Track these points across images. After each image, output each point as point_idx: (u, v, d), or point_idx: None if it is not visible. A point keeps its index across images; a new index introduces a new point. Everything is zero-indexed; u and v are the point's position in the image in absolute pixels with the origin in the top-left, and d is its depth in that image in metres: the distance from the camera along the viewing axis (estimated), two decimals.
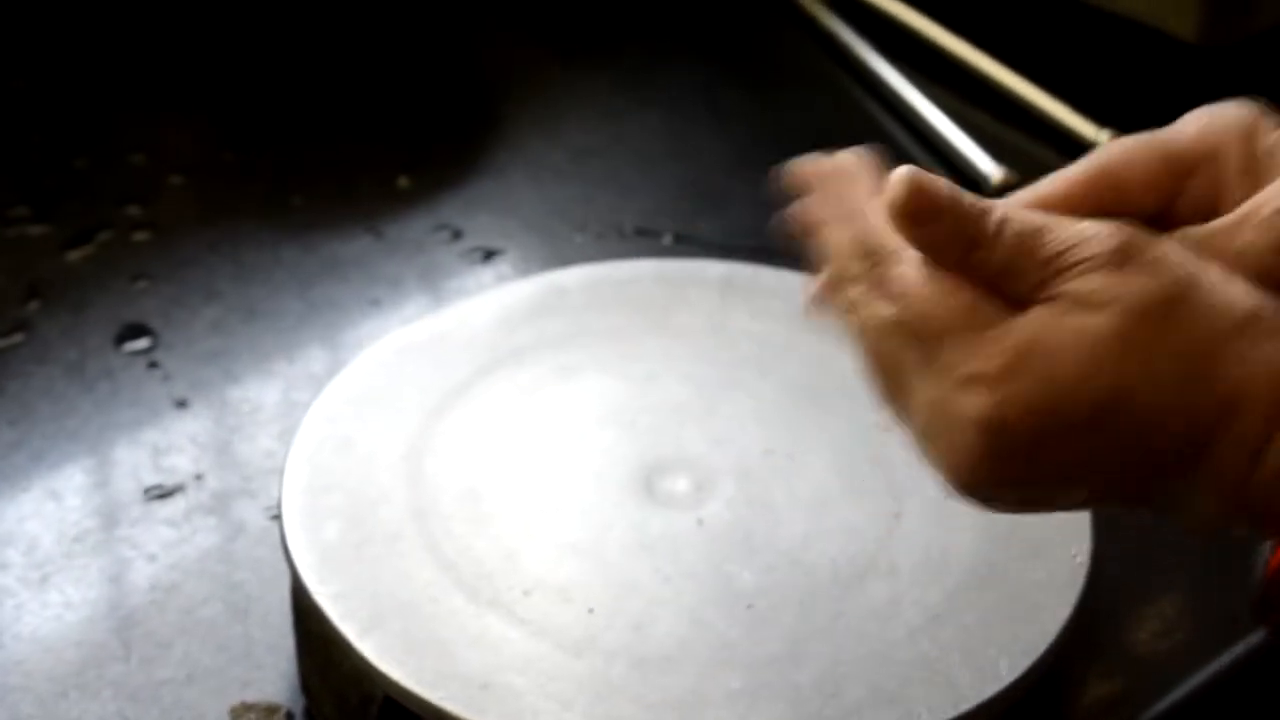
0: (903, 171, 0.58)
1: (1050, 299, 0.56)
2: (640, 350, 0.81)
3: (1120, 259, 0.55)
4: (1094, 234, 0.56)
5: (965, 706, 0.68)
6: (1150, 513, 0.58)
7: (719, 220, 0.97)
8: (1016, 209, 0.58)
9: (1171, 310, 0.55)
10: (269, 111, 1.02)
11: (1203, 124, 0.62)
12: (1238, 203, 0.60)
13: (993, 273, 0.57)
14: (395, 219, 0.96)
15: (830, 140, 1.01)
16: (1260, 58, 1.04)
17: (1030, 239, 0.57)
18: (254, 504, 0.81)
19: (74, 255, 0.93)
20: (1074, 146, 1.01)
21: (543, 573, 0.72)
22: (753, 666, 0.69)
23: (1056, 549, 0.73)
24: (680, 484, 0.75)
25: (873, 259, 0.59)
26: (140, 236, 0.94)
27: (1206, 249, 0.58)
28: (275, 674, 0.75)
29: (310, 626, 0.72)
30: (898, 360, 0.58)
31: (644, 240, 0.95)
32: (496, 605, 0.71)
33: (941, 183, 0.58)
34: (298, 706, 0.74)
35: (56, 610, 0.77)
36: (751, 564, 0.72)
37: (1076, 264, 0.56)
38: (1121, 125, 1.00)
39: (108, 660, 0.75)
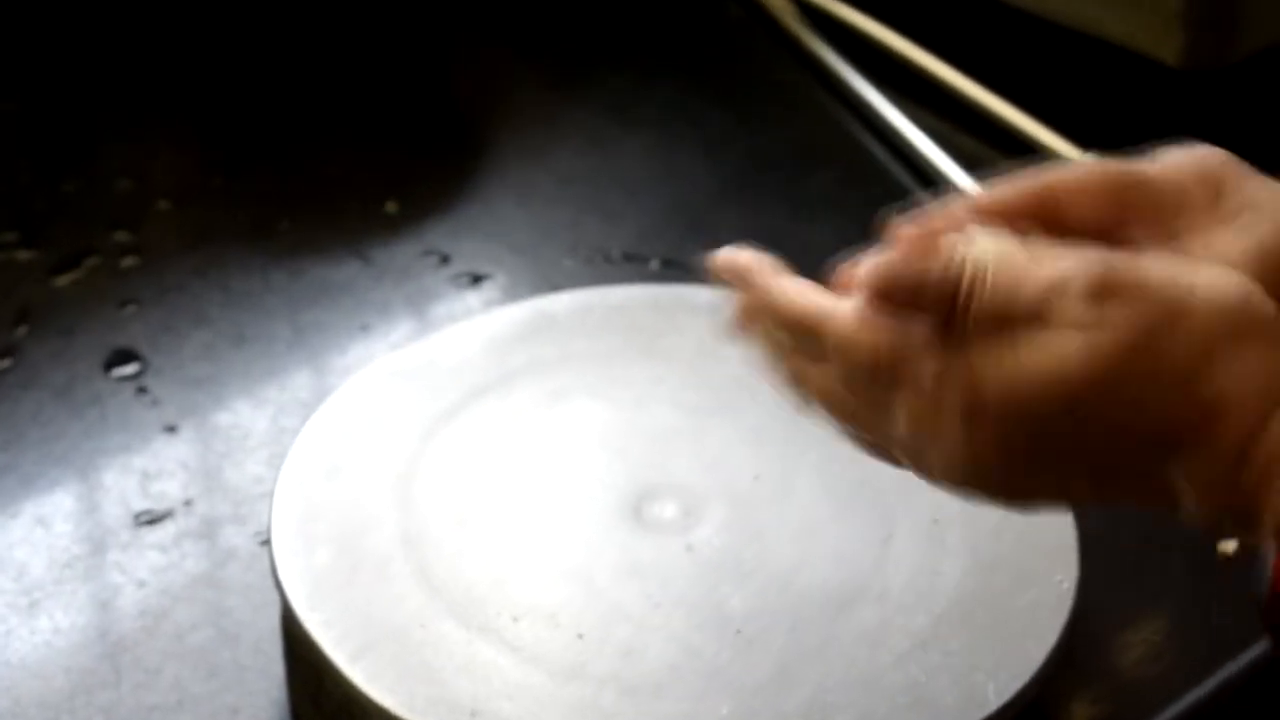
0: (869, 269, 0.59)
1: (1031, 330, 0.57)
2: (629, 375, 0.81)
3: (1097, 289, 0.56)
4: (1071, 276, 0.56)
5: None
6: (1149, 509, 0.58)
7: (706, 245, 0.97)
8: (989, 254, 0.58)
9: (1155, 336, 0.55)
10: (257, 137, 1.02)
11: (1170, 161, 0.62)
12: (1195, 247, 0.60)
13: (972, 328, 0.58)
14: (383, 244, 0.96)
15: (815, 162, 1.03)
16: (1243, 83, 1.05)
17: (1007, 296, 0.57)
18: (243, 530, 0.81)
19: (62, 280, 0.93)
20: None
21: (532, 599, 0.72)
22: (741, 692, 0.69)
23: (1043, 575, 0.73)
24: (669, 509, 0.75)
25: (801, 330, 0.61)
26: (129, 262, 0.94)
27: None
28: (265, 700, 0.75)
29: (300, 653, 0.72)
30: (861, 403, 0.60)
31: (631, 265, 0.96)
32: (486, 631, 0.71)
33: (905, 267, 0.59)
34: None
35: (46, 636, 0.77)
36: (740, 589, 0.73)
37: (1059, 288, 0.56)
38: (1103, 148, 1.00)
39: (97, 686, 0.76)
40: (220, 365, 0.89)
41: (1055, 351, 0.56)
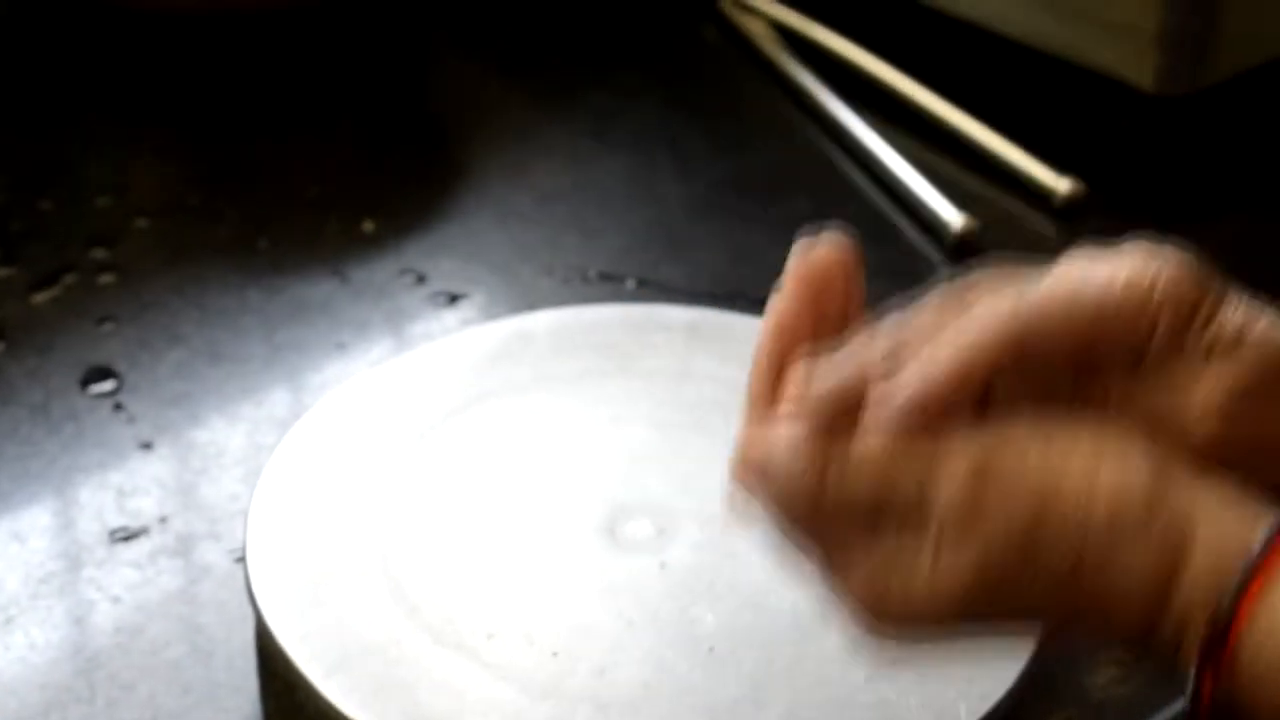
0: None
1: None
2: (605, 394, 0.81)
3: (970, 509, 0.57)
4: (947, 478, 0.58)
5: None
6: None
7: (683, 265, 0.97)
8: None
9: (1027, 537, 0.57)
10: (235, 155, 1.02)
11: (1140, 280, 0.60)
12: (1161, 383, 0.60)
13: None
14: (360, 263, 0.96)
15: (791, 184, 1.03)
16: (1216, 108, 1.05)
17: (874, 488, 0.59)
18: (218, 546, 0.82)
19: (39, 297, 0.93)
20: (1034, 194, 1.02)
21: (507, 616, 0.72)
22: (714, 710, 0.69)
23: None
24: (644, 528, 0.76)
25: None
26: (106, 279, 0.94)
27: (1154, 427, 0.59)
28: (239, 717, 0.75)
29: (275, 669, 0.72)
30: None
31: (608, 285, 0.96)
32: (461, 649, 0.71)
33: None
34: None
35: (20, 652, 0.78)
36: (714, 608, 0.73)
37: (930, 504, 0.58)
38: (1081, 172, 1.01)
39: (72, 703, 0.76)
40: (196, 383, 0.89)
41: (934, 576, 0.58)
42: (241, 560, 0.75)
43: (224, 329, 0.92)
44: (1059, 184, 1.01)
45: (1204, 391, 0.60)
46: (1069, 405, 0.60)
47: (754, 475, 0.61)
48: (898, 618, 0.60)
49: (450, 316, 0.94)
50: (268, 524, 0.75)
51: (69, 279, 0.94)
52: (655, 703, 0.70)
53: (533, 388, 0.82)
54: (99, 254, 0.96)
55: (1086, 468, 0.57)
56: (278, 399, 0.89)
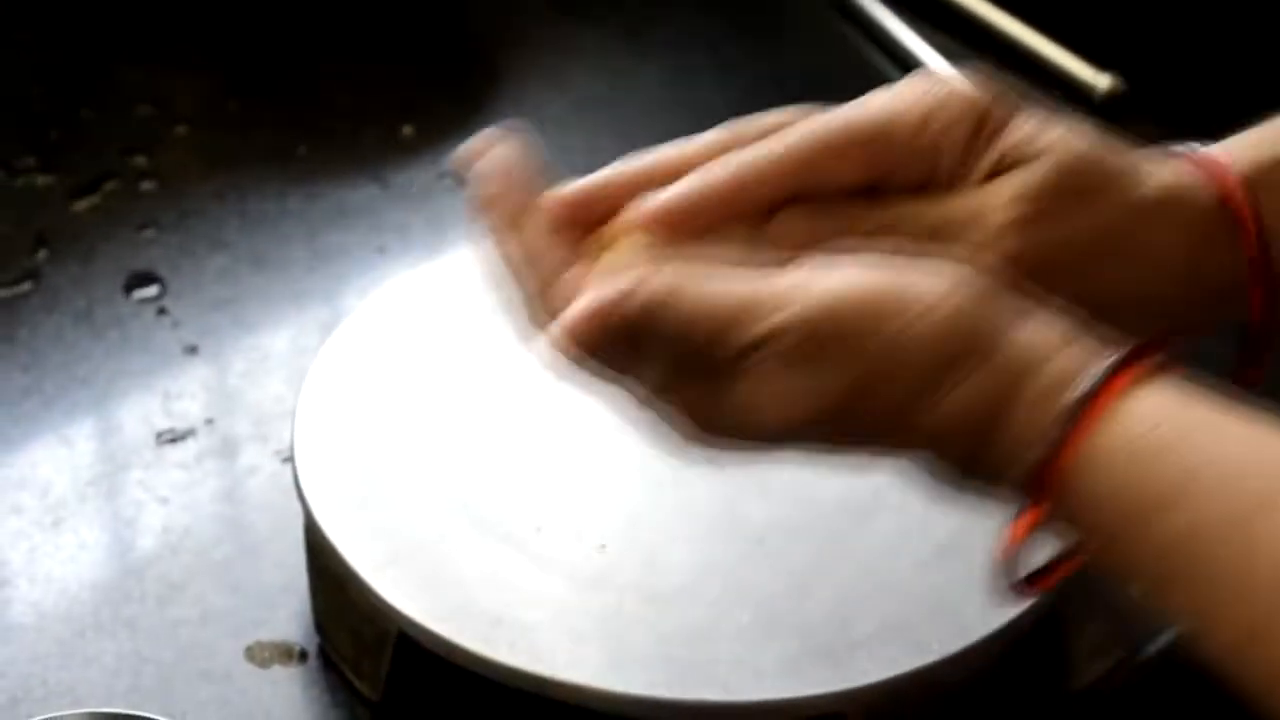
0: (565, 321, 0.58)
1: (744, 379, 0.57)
2: None
3: (798, 354, 0.55)
4: (767, 327, 0.55)
5: (973, 637, 0.68)
6: None
7: None
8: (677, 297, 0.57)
9: (860, 392, 0.55)
10: (273, 62, 1.02)
11: (925, 99, 0.60)
12: (957, 198, 0.60)
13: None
14: (400, 167, 0.96)
15: (830, 88, 1.02)
16: (1260, 3, 1.05)
17: (706, 324, 0.56)
18: (264, 448, 0.82)
19: (81, 205, 0.93)
20: (1076, 92, 1.01)
21: (555, 511, 0.73)
22: (763, 600, 0.70)
23: None
24: None
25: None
26: (146, 186, 0.94)
27: (937, 236, 0.59)
28: (288, 614, 0.76)
29: (324, 565, 0.72)
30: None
31: None
32: (509, 542, 0.71)
33: (600, 299, 0.57)
34: (311, 645, 0.75)
35: (71, 552, 0.78)
36: (761, 500, 0.73)
37: (759, 355, 0.56)
38: (1121, 68, 1.01)
39: (122, 601, 0.76)
40: (239, 287, 0.90)
41: (762, 411, 0.56)
42: (288, 460, 0.75)
43: (265, 234, 0.92)
44: (1099, 80, 1.01)
45: (995, 205, 0.59)
46: (865, 237, 0.59)
47: (564, 337, 0.58)
48: (728, 438, 0.58)
49: None
50: (314, 424, 0.76)
51: (110, 186, 0.94)
52: (703, 593, 0.70)
53: None
54: (139, 161, 0.96)
55: (925, 295, 0.55)
56: (320, 303, 0.89)
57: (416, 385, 0.77)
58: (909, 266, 0.56)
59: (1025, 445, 0.54)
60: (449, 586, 0.70)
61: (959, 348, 0.55)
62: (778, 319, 0.56)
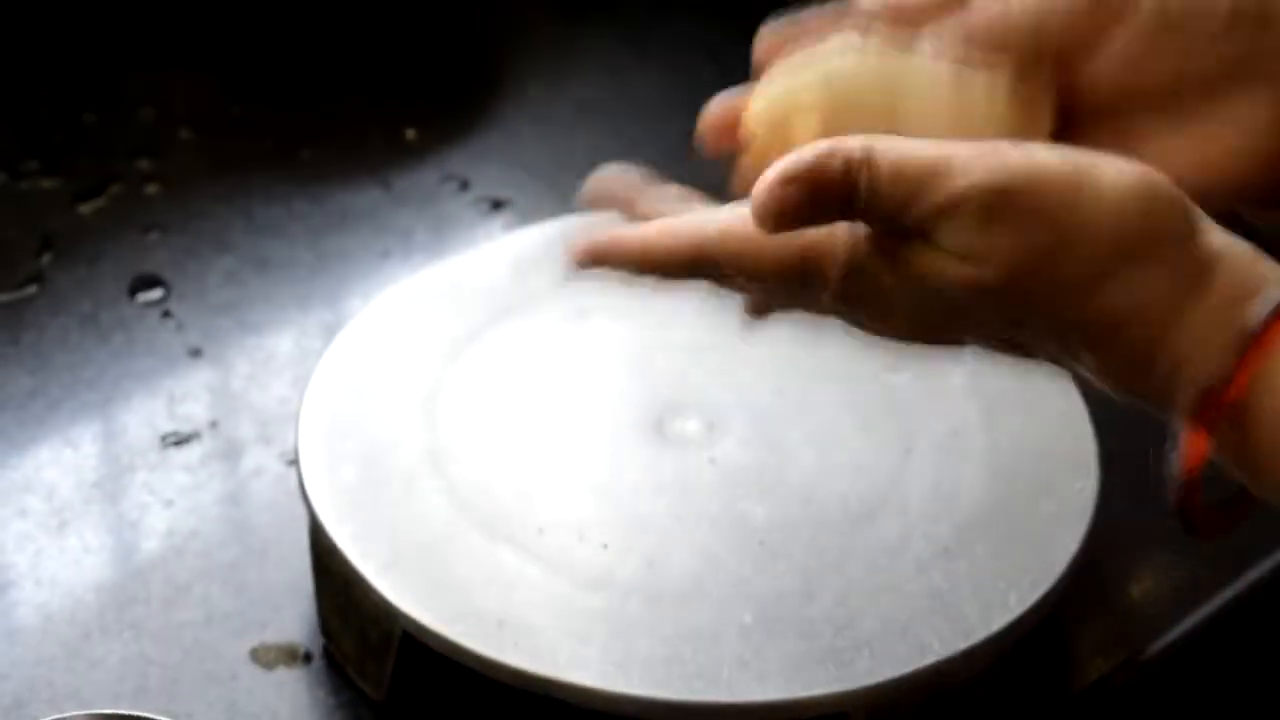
0: (760, 189, 0.57)
1: (929, 242, 0.56)
2: (652, 294, 0.81)
3: (990, 213, 0.55)
4: (962, 199, 0.55)
5: (975, 638, 0.69)
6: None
7: (723, 170, 0.97)
8: (883, 156, 0.56)
9: (1046, 260, 0.55)
10: (277, 65, 1.03)
11: None
12: None
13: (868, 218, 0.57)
14: (403, 171, 0.96)
15: None
16: None
17: (903, 184, 0.55)
18: (269, 450, 0.82)
19: (85, 208, 0.94)
20: None
21: (558, 511, 0.73)
22: (765, 601, 0.70)
23: (1062, 484, 0.74)
24: (692, 424, 0.76)
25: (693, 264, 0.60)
26: (151, 189, 0.95)
27: None
28: (294, 615, 0.76)
29: (329, 566, 0.73)
30: (777, 298, 0.60)
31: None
32: (512, 543, 0.72)
33: (800, 161, 0.56)
34: (316, 647, 0.75)
35: (76, 555, 0.78)
36: (763, 502, 0.73)
37: (950, 212, 0.55)
38: None
39: (128, 603, 0.76)
40: (244, 290, 0.90)
41: (946, 273, 0.55)
42: (293, 463, 0.76)
43: (270, 238, 0.93)
44: None
45: None
46: None
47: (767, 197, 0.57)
48: (907, 325, 0.58)
49: (494, 222, 0.94)
50: (318, 424, 0.76)
51: (115, 189, 0.95)
52: (706, 594, 0.70)
53: (579, 289, 0.81)
54: (144, 164, 0.96)
55: (1120, 176, 0.55)
56: (324, 305, 0.89)
57: (420, 388, 0.78)
58: (1101, 157, 0.56)
59: (1202, 352, 0.53)
60: (453, 588, 0.70)
61: (1147, 231, 0.55)
62: (973, 177, 0.55)
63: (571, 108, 1.02)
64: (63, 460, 0.82)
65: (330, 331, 0.84)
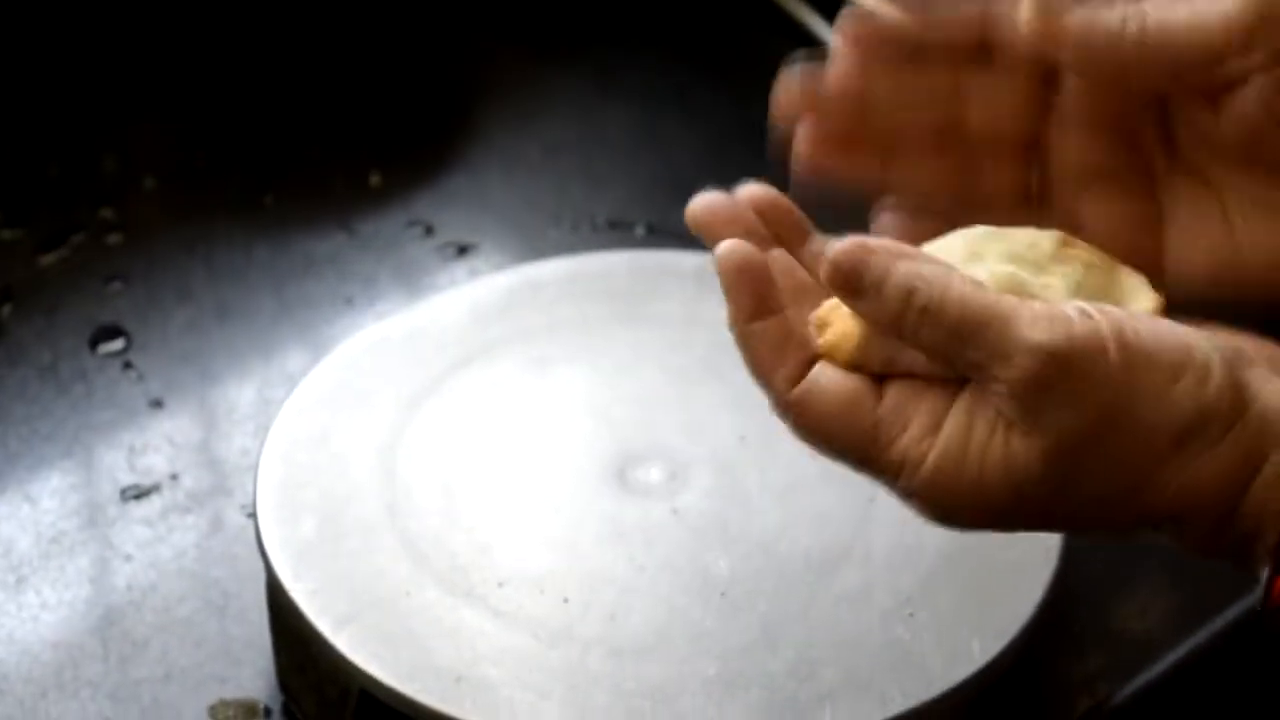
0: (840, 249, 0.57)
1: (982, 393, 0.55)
2: (614, 341, 0.81)
3: (1046, 381, 0.53)
4: (1025, 342, 0.53)
5: (938, 689, 0.68)
6: None
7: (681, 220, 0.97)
8: (958, 282, 0.55)
9: (1099, 440, 0.53)
10: (240, 112, 1.02)
11: None
12: None
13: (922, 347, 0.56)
14: (368, 216, 0.96)
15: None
16: None
17: (961, 327, 0.54)
18: (230, 502, 0.82)
19: (47, 259, 0.93)
20: None
21: (517, 564, 0.72)
22: (727, 654, 0.69)
23: (1027, 533, 0.73)
24: (654, 473, 0.75)
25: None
26: (113, 239, 0.94)
27: None
28: (253, 671, 0.75)
29: (286, 622, 0.72)
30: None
31: (617, 232, 0.96)
32: (471, 598, 0.71)
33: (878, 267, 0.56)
34: (276, 703, 0.74)
35: (34, 611, 0.78)
36: (726, 552, 0.73)
37: (1004, 369, 0.54)
38: None
39: (86, 660, 0.76)
40: (206, 340, 0.89)
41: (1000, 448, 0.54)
42: (253, 515, 0.75)
43: (232, 286, 0.92)
44: None
45: None
46: None
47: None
48: (966, 496, 0.55)
49: (459, 268, 0.93)
50: (277, 478, 0.75)
51: (77, 239, 0.94)
52: (668, 647, 0.70)
53: (542, 336, 0.81)
54: (106, 214, 0.95)
55: (1190, 355, 0.54)
56: (288, 354, 0.89)
57: (381, 439, 0.77)
58: (1170, 325, 0.55)
59: (1274, 524, 0.53)
60: (411, 643, 0.69)
61: (1211, 413, 0.53)
62: (1036, 337, 0.53)
63: (539, 150, 1.01)
64: (20, 515, 0.81)
65: (293, 380, 0.83)
